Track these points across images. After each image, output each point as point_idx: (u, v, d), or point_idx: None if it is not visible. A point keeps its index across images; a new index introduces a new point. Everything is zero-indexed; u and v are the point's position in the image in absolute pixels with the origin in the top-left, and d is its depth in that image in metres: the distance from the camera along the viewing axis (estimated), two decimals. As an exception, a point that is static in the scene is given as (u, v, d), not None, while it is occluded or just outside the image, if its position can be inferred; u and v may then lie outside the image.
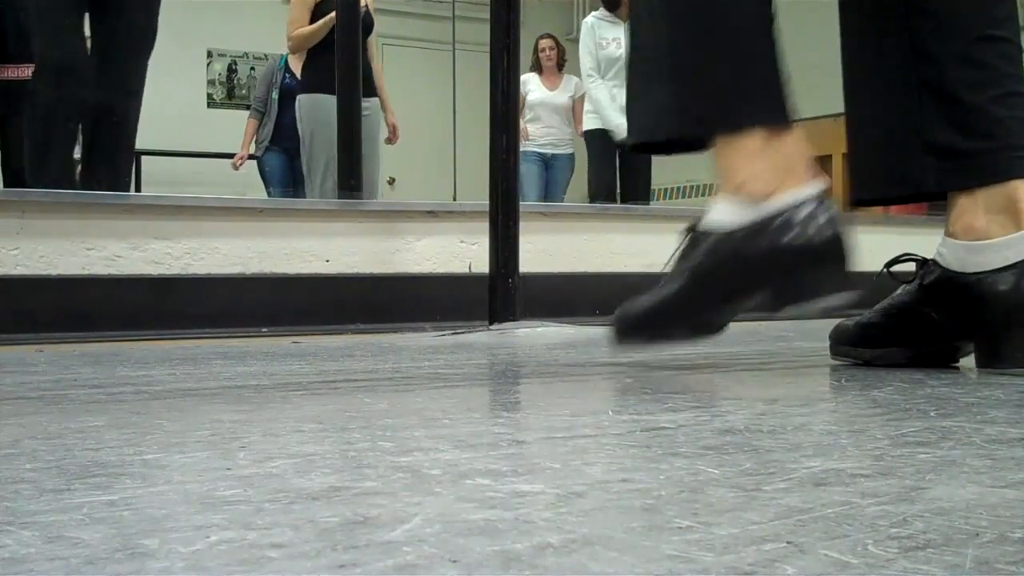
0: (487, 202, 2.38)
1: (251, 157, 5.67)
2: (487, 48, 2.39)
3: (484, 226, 2.38)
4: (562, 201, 5.84)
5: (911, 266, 1.26)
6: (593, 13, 4.96)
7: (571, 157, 5.89)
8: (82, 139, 2.84)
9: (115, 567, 0.40)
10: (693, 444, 0.69)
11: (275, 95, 5.39)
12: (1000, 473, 0.58)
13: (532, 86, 5.74)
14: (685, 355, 1.46)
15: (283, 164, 5.39)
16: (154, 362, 1.46)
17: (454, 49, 7.47)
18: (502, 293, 2.32)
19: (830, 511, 0.49)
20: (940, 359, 1.23)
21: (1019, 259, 1.12)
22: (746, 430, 0.76)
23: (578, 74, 5.89)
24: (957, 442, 0.69)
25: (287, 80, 5.39)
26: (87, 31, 2.86)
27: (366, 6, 4.33)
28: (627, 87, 1.29)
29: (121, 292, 2.23)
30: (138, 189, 6.60)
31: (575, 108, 5.77)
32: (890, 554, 0.41)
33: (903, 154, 1.24)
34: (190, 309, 2.26)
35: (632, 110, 1.29)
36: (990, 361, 1.15)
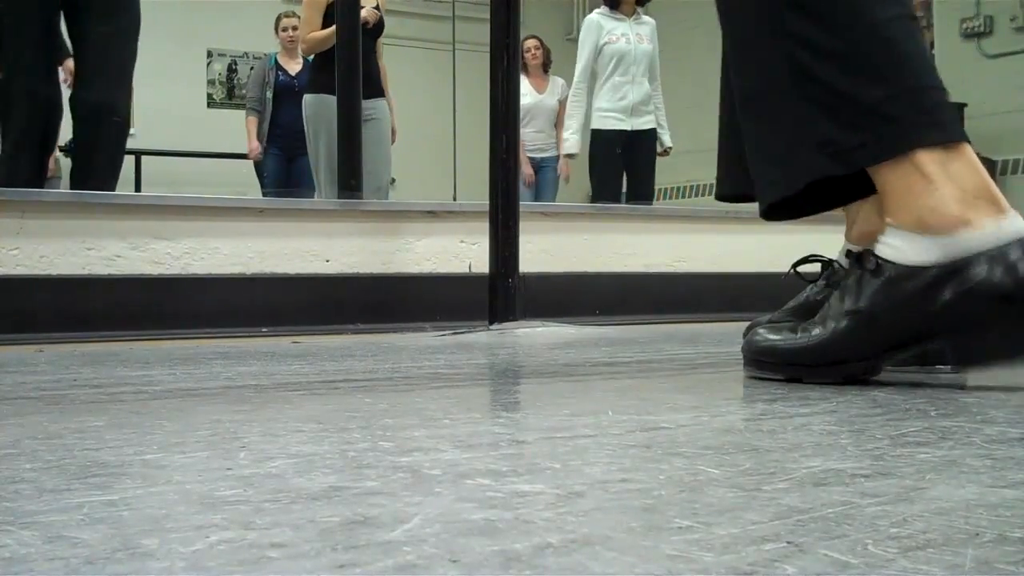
0: (487, 202, 2.38)
1: (236, 156, 5.65)
2: (487, 48, 2.39)
3: (484, 226, 2.38)
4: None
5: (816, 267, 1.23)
6: (596, 10, 4.96)
7: (556, 159, 5.93)
8: (73, 137, 2.83)
9: (115, 567, 0.40)
10: (693, 444, 0.69)
11: (269, 94, 5.38)
12: (1000, 473, 0.58)
13: (523, 90, 5.73)
14: (685, 355, 1.46)
15: (280, 164, 5.38)
16: (154, 362, 1.46)
17: (454, 49, 7.46)
18: (502, 293, 2.32)
19: (830, 511, 0.49)
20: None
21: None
22: (746, 430, 0.76)
23: (568, 75, 5.93)
24: (957, 442, 0.69)
25: (280, 78, 5.38)
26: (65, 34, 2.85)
27: (377, 6, 4.33)
28: (745, 139, 1.17)
29: (121, 292, 2.23)
30: (138, 189, 6.60)
31: (560, 111, 5.82)
32: (890, 554, 0.41)
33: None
34: (190, 309, 2.26)
35: (757, 165, 1.16)
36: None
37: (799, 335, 1.09)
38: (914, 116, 1.04)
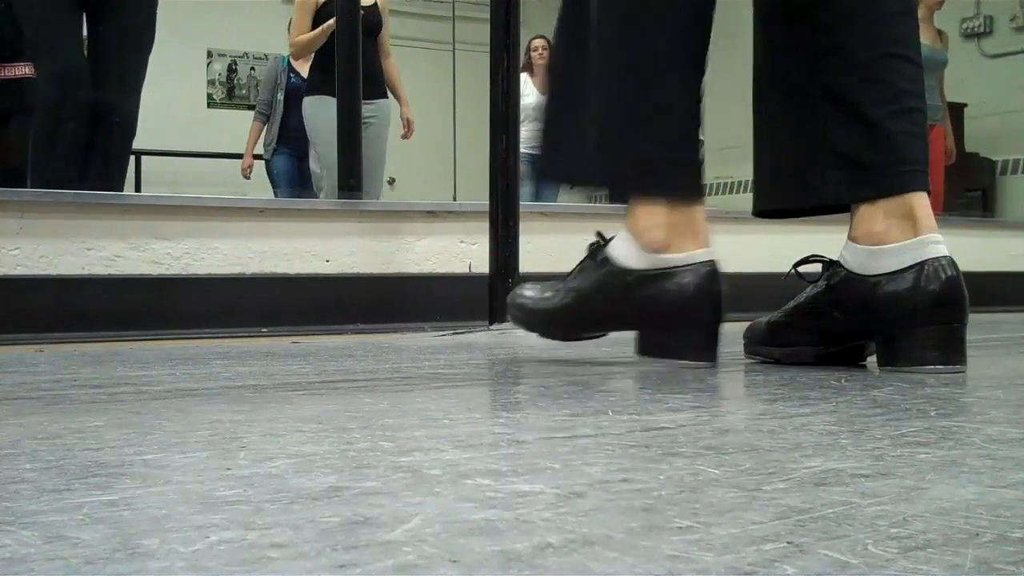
0: (487, 202, 2.37)
1: (258, 157, 5.65)
2: (487, 48, 2.39)
3: (484, 226, 2.37)
4: (554, 201, 5.86)
5: (818, 267, 1.31)
6: None
7: None
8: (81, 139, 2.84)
9: (115, 567, 0.40)
10: (693, 444, 0.69)
11: (280, 96, 5.36)
12: (1000, 473, 0.58)
13: (527, 90, 5.75)
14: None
15: (291, 166, 5.35)
16: (154, 362, 1.46)
17: (454, 49, 7.47)
18: (502, 293, 2.32)
19: (830, 511, 0.49)
20: (847, 358, 1.29)
21: (914, 262, 1.18)
22: (746, 430, 0.76)
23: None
24: (957, 442, 0.69)
25: (292, 79, 5.35)
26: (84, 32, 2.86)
27: (375, 4, 4.33)
28: (545, 129, 1.41)
29: (121, 292, 2.23)
30: (138, 189, 6.59)
31: None
32: (890, 554, 0.41)
33: (805, 167, 1.29)
34: (190, 309, 2.26)
35: (554, 152, 1.41)
36: (889, 359, 1.21)
37: (542, 297, 1.37)
38: (662, 166, 1.31)
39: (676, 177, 1.31)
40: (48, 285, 2.16)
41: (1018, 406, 0.90)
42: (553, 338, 1.38)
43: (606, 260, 1.31)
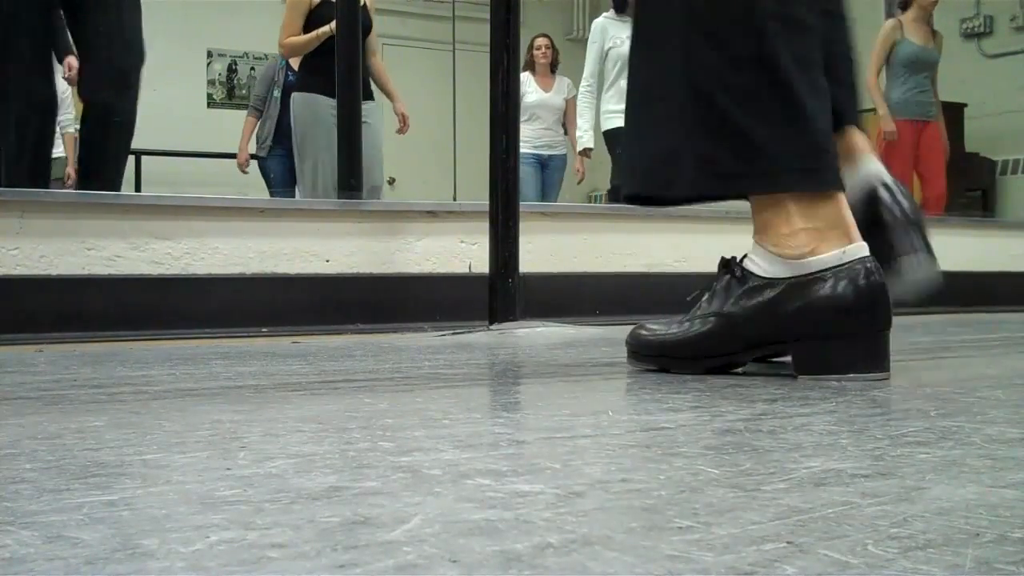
0: (487, 202, 2.37)
1: (253, 157, 5.66)
2: (487, 48, 2.39)
3: (484, 226, 2.37)
4: (556, 202, 5.87)
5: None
6: (604, 14, 4.98)
7: (564, 158, 5.96)
8: (79, 138, 2.83)
9: (115, 567, 0.40)
10: (693, 444, 0.69)
11: (277, 93, 5.36)
12: (1000, 473, 0.58)
13: (529, 87, 5.76)
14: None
15: (286, 166, 5.36)
16: (154, 362, 1.46)
17: (454, 49, 7.46)
18: (502, 293, 2.32)
19: (830, 511, 0.49)
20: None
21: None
22: (746, 430, 0.76)
23: (569, 75, 5.94)
24: (957, 442, 0.69)
25: (290, 78, 5.35)
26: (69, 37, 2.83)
27: (364, 6, 4.32)
28: (627, 126, 1.25)
29: (121, 292, 2.23)
30: (138, 189, 6.59)
31: (567, 109, 5.86)
32: (890, 554, 0.41)
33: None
34: (190, 309, 2.26)
35: (633, 153, 1.25)
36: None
37: (670, 331, 1.22)
38: (793, 164, 1.14)
39: (808, 164, 1.14)
40: (48, 285, 2.16)
41: (1018, 406, 0.90)
42: (690, 372, 1.19)
43: (746, 275, 1.16)
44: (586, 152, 5.19)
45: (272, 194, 5.27)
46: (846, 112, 1.25)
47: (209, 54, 8.62)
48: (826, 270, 1.11)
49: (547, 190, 5.91)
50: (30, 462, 0.64)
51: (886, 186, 1.29)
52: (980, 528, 0.45)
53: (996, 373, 1.27)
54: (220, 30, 8.43)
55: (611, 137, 4.95)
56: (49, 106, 2.72)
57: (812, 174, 1.14)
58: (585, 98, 4.95)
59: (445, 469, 0.60)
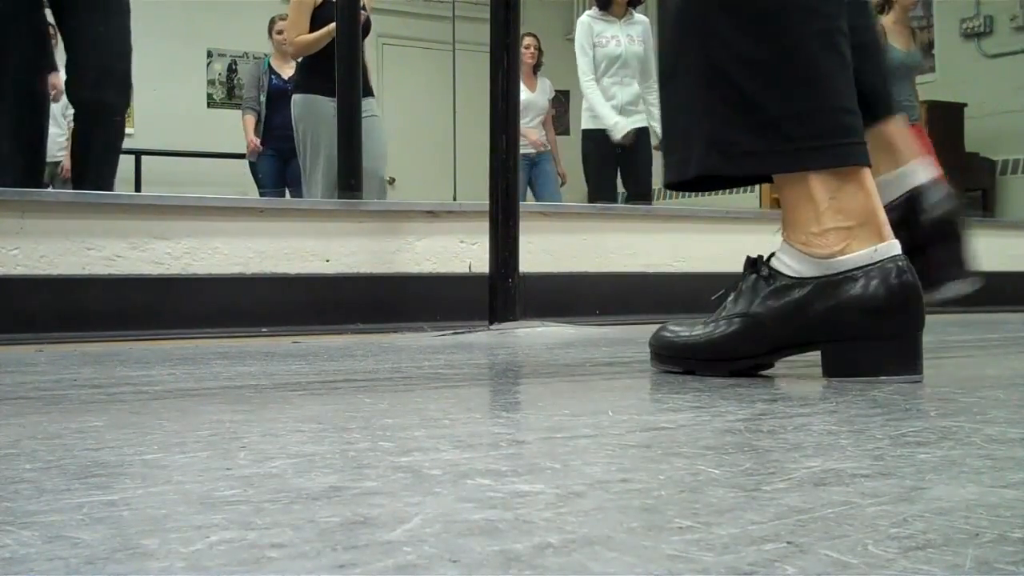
0: (487, 202, 2.38)
1: (241, 157, 5.68)
2: (487, 48, 2.39)
3: (484, 226, 2.38)
4: (559, 196, 5.87)
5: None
6: (587, 12, 4.94)
7: (550, 155, 5.99)
8: (71, 135, 2.82)
9: (115, 567, 0.40)
10: (693, 444, 0.69)
11: (262, 97, 5.41)
12: (1000, 473, 0.58)
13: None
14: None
15: (276, 166, 5.40)
16: (154, 362, 1.46)
17: (454, 49, 7.46)
18: (502, 293, 2.32)
19: (830, 511, 0.49)
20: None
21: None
22: (746, 430, 0.76)
23: (559, 72, 5.95)
24: (957, 442, 0.69)
25: (274, 81, 5.41)
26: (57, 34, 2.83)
27: (363, 7, 4.31)
28: (662, 118, 1.23)
29: (121, 292, 2.23)
30: (138, 189, 6.59)
31: (549, 109, 5.93)
32: (890, 554, 0.41)
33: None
34: (190, 309, 2.26)
35: (666, 141, 1.22)
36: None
37: (693, 332, 1.18)
38: (812, 138, 1.09)
39: (829, 137, 1.09)
40: (48, 285, 2.16)
41: (1018, 406, 0.90)
42: (715, 374, 1.15)
43: (773, 275, 1.13)
44: (627, 137, 4.76)
45: (261, 194, 5.29)
46: (882, 102, 1.22)
47: (209, 54, 8.62)
48: (857, 269, 1.08)
49: (548, 186, 5.91)
50: (30, 462, 0.64)
51: (926, 191, 1.27)
52: (980, 528, 0.45)
53: (996, 373, 1.27)
54: (220, 30, 8.42)
55: (586, 138, 4.89)
56: (41, 104, 2.72)
57: (833, 150, 1.09)
58: (591, 90, 4.82)
59: (445, 469, 0.60)
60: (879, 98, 1.25)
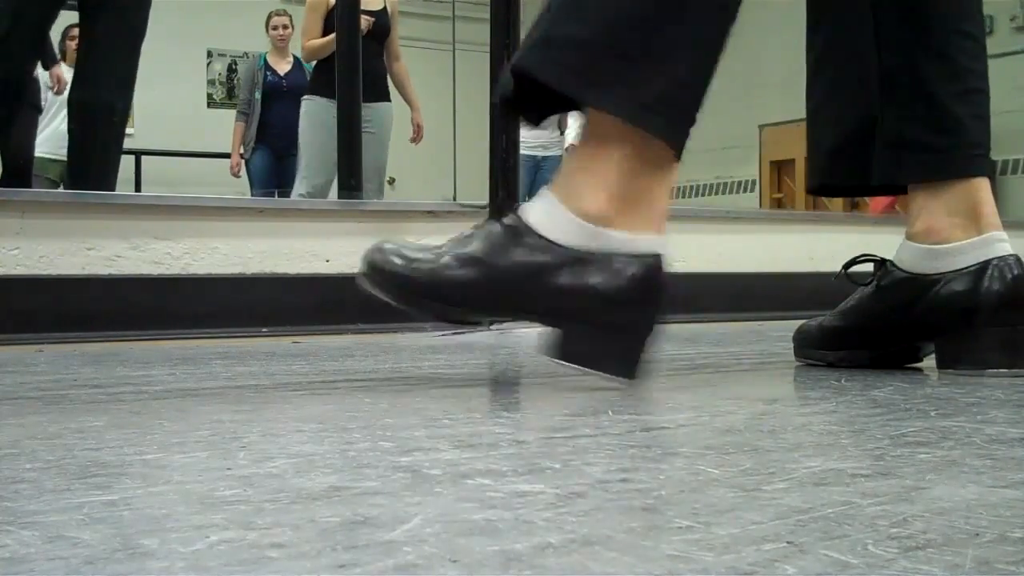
0: (487, 202, 2.37)
1: (240, 156, 5.67)
2: (487, 48, 2.39)
3: (484, 226, 2.37)
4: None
5: (869, 267, 1.25)
6: None
7: (559, 159, 5.98)
8: (70, 137, 2.82)
9: (115, 567, 0.40)
10: (693, 444, 0.69)
11: (258, 94, 5.37)
12: (1000, 473, 0.58)
13: None
14: (685, 355, 1.46)
15: (269, 164, 5.37)
16: (154, 362, 1.46)
17: (454, 49, 7.46)
18: (502, 293, 2.31)
19: (830, 511, 0.49)
20: (902, 359, 1.23)
21: (975, 263, 1.13)
22: (746, 430, 0.76)
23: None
24: (957, 442, 0.69)
25: (269, 78, 5.38)
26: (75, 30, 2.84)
27: (384, 8, 4.31)
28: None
29: (121, 292, 2.23)
30: (138, 189, 6.59)
31: None
32: (890, 554, 0.41)
33: (862, 144, 1.22)
34: (190, 309, 2.26)
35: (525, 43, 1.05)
36: (950, 363, 1.16)
37: (424, 258, 1.03)
38: (641, 93, 0.98)
39: (672, 106, 1.00)
40: (48, 285, 2.16)
41: (1018, 406, 0.90)
42: (428, 316, 1.07)
43: (523, 228, 1.00)
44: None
45: (254, 193, 5.28)
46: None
47: (209, 54, 8.62)
48: (611, 252, 0.99)
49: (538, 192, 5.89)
50: (30, 462, 0.64)
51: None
52: (980, 528, 0.45)
53: (956, 374, 1.27)
54: (220, 30, 8.43)
55: None
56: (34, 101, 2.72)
57: (659, 116, 0.99)
58: None
59: (445, 469, 0.60)
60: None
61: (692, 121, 1.02)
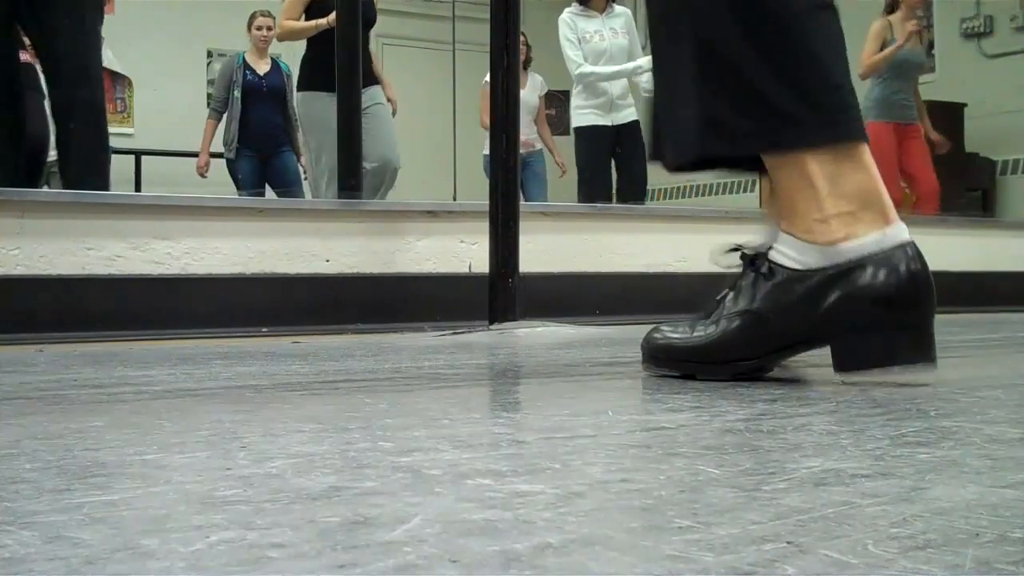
0: (487, 202, 2.38)
1: (217, 156, 5.61)
2: (487, 48, 2.39)
3: (484, 226, 2.38)
4: (546, 197, 5.86)
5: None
6: (567, 9, 4.86)
7: (542, 153, 5.98)
8: (55, 138, 2.80)
9: (115, 567, 0.40)
10: (693, 444, 0.69)
11: (237, 93, 5.31)
12: (1000, 473, 0.58)
13: None
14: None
15: (255, 167, 5.30)
16: (154, 362, 1.46)
17: (454, 49, 7.46)
18: (502, 293, 2.32)
19: (830, 511, 0.49)
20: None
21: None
22: (746, 430, 0.76)
23: (549, 78, 5.95)
24: (957, 442, 0.69)
25: (248, 77, 5.31)
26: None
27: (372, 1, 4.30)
28: (655, 100, 1.18)
29: (121, 292, 2.23)
30: (138, 189, 6.59)
31: (540, 108, 5.92)
32: (890, 554, 0.41)
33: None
34: (190, 309, 2.26)
35: (666, 128, 1.17)
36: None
37: (694, 333, 1.12)
38: (806, 114, 1.06)
39: (824, 114, 1.05)
40: (48, 285, 2.16)
41: (1018, 406, 0.90)
42: (716, 376, 1.09)
43: (773, 269, 1.07)
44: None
45: (241, 195, 5.23)
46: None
47: (209, 54, 8.62)
48: (865, 256, 1.02)
49: (535, 188, 5.88)
50: (30, 462, 0.64)
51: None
52: (980, 528, 0.45)
53: (996, 373, 1.27)
54: (220, 30, 8.42)
55: (579, 135, 4.85)
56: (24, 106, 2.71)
57: (832, 126, 1.05)
58: (588, 69, 4.72)
59: (445, 469, 0.60)
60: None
61: (844, 105, 1.07)
